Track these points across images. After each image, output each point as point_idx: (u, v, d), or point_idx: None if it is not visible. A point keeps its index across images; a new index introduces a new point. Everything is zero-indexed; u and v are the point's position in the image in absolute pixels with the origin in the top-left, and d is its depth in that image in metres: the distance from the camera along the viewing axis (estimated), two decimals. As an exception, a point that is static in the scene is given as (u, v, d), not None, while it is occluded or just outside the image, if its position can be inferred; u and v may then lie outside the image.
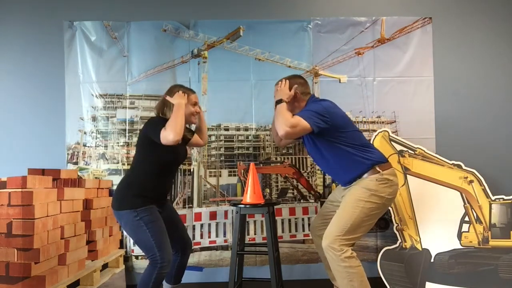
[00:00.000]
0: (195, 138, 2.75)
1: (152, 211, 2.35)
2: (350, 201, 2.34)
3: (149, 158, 2.38)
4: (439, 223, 2.93)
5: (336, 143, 2.37)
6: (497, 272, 2.80)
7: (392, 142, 3.09)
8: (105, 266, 2.93)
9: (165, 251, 2.33)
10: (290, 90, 2.50)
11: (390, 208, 2.98)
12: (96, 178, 3.26)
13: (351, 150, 2.36)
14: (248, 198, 2.61)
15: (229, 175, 3.34)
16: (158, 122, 2.36)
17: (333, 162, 2.42)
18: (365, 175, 2.35)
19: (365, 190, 2.32)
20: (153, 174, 2.39)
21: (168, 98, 2.42)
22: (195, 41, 3.37)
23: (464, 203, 2.94)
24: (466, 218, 2.93)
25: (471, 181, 2.95)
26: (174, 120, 2.27)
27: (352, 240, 2.33)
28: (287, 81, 2.54)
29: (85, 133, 3.33)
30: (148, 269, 2.34)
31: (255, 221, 3.30)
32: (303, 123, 2.29)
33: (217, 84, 3.35)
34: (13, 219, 2.17)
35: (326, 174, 3.33)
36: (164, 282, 2.65)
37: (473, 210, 2.92)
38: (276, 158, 3.36)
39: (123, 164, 3.30)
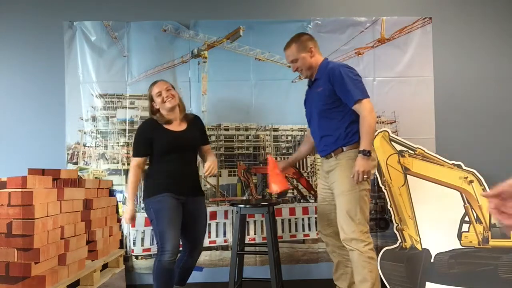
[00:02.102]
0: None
1: (164, 200, 2.45)
2: (345, 190, 2.36)
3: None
4: (439, 223, 2.93)
5: (345, 108, 2.38)
6: (497, 272, 2.80)
7: (392, 142, 3.09)
8: (105, 266, 2.93)
9: (168, 241, 2.39)
10: (302, 52, 2.48)
11: (390, 208, 2.98)
12: (96, 178, 3.26)
13: (355, 119, 2.37)
14: (274, 187, 2.64)
15: (229, 175, 3.34)
16: (137, 137, 2.64)
17: (335, 123, 2.42)
18: (347, 147, 2.38)
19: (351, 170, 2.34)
20: (159, 161, 2.56)
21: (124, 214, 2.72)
22: (195, 41, 3.37)
23: (464, 203, 2.94)
24: (466, 218, 2.93)
25: (471, 181, 2.95)
26: (130, 184, 2.57)
27: (367, 224, 2.38)
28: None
29: (85, 133, 3.33)
30: (155, 258, 2.48)
31: (255, 221, 3.30)
32: (369, 104, 2.31)
33: (217, 84, 3.35)
34: (13, 219, 2.17)
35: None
36: None
37: (473, 210, 2.92)
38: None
39: (123, 164, 3.30)
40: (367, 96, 2.34)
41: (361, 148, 2.28)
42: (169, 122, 2.60)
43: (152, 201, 2.49)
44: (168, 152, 2.54)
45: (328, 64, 2.47)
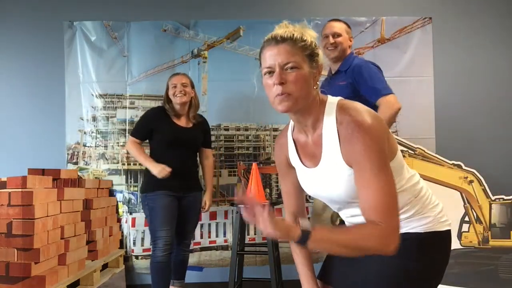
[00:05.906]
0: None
1: (158, 198, 2.54)
2: None
3: (151, 142, 2.74)
4: (439, 223, 2.92)
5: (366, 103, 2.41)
6: (497, 272, 2.80)
7: (392, 142, 3.09)
8: (105, 266, 2.93)
9: (159, 239, 2.49)
10: (348, 34, 2.51)
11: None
12: (96, 178, 3.26)
13: None
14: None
15: (229, 175, 3.34)
16: (141, 120, 2.79)
17: None
18: None
19: None
20: (159, 156, 2.60)
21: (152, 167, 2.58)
22: (195, 41, 3.37)
23: (464, 203, 2.94)
24: (466, 218, 2.92)
25: (471, 181, 2.95)
26: (136, 156, 2.72)
27: None
28: None
29: (85, 133, 3.32)
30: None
31: (255, 221, 3.29)
32: (392, 98, 2.34)
33: (217, 84, 3.35)
34: (13, 219, 2.16)
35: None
36: None
37: (473, 210, 2.92)
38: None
39: (123, 164, 3.30)
40: (391, 92, 2.36)
41: None
42: (178, 115, 2.69)
43: (148, 197, 2.59)
44: (168, 145, 2.62)
45: (354, 59, 2.46)
